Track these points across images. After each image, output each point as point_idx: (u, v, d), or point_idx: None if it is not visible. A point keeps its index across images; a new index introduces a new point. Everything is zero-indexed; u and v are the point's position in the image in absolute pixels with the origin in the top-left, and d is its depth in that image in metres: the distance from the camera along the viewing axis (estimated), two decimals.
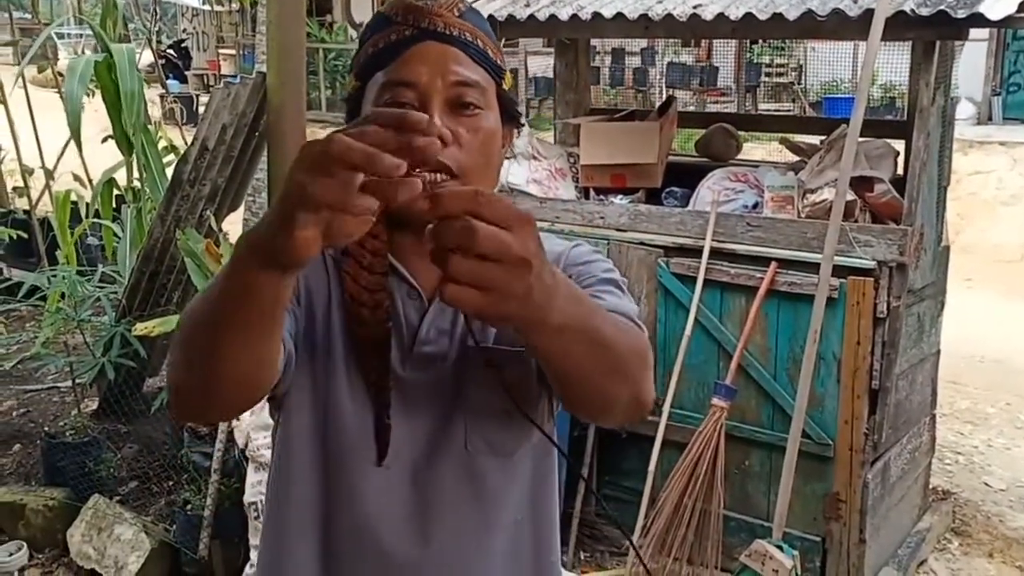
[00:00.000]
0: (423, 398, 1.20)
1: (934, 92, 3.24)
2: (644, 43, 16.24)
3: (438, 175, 1.11)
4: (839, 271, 3.16)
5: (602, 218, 3.72)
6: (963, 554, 3.83)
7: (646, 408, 1.07)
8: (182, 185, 3.89)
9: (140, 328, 3.62)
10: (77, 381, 4.14)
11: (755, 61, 15.86)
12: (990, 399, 5.55)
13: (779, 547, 3.05)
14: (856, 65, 16.23)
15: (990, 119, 13.14)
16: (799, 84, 16.05)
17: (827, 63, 16.12)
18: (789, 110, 14.84)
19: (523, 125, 1.34)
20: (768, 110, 14.61)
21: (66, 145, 6.19)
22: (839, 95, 15.76)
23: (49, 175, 6.14)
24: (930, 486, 4.08)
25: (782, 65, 16.05)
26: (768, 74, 15.67)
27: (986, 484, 4.46)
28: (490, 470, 1.21)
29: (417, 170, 1.09)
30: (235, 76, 15.54)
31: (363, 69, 1.19)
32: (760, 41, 15.67)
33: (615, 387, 1.01)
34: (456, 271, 0.80)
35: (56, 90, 5.87)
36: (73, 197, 5.57)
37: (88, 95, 7.28)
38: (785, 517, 3.11)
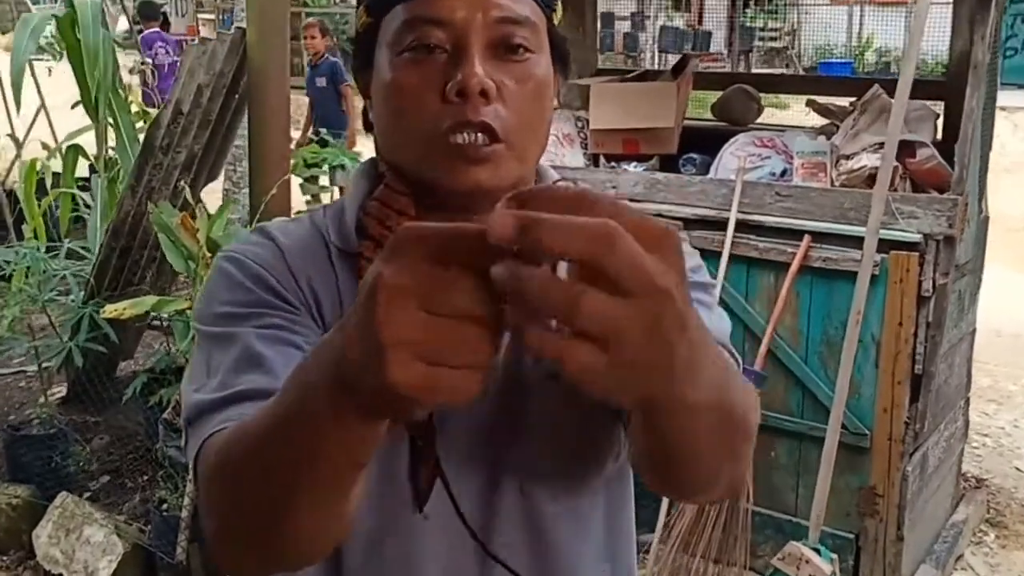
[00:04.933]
0: (464, 430, 0.92)
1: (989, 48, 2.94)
2: (634, 7, 15.88)
3: (479, 136, 0.86)
4: (880, 245, 2.86)
5: (614, 187, 3.42)
6: (1000, 547, 3.59)
7: (740, 492, 0.83)
8: (154, 152, 3.56)
9: (109, 310, 3.30)
10: (43, 366, 3.81)
11: (748, 25, 15.54)
12: (1011, 376, 5.32)
13: (816, 550, 2.79)
14: (851, 29, 15.94)
15: None
16: (793, 49, 15.76)
17: (821, 27, 15.81)
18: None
19: (572, 71, 1.05)
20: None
21: (37, 113, 5.86)
22: (833, 59, 15.47)
23: (16, 143, 5.81)
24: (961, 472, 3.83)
25: (775, 29, 15.76)
26: (762, 39, 15.37)
27: (1017, 469, 4.22)
28: (553, 517, 0.96)
29: (453, 133, 0.86)
30: None
31: (377, 1, 0.92)
32: (753, 4, 15.34)
33: (723, 469, 0.78)
34: (590, 311, 0.53)
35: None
36: (42, 167, 5.23)
37: (55, 58, 6.93)
38: (823, 517, 2.85)
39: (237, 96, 3.53)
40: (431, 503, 0.91)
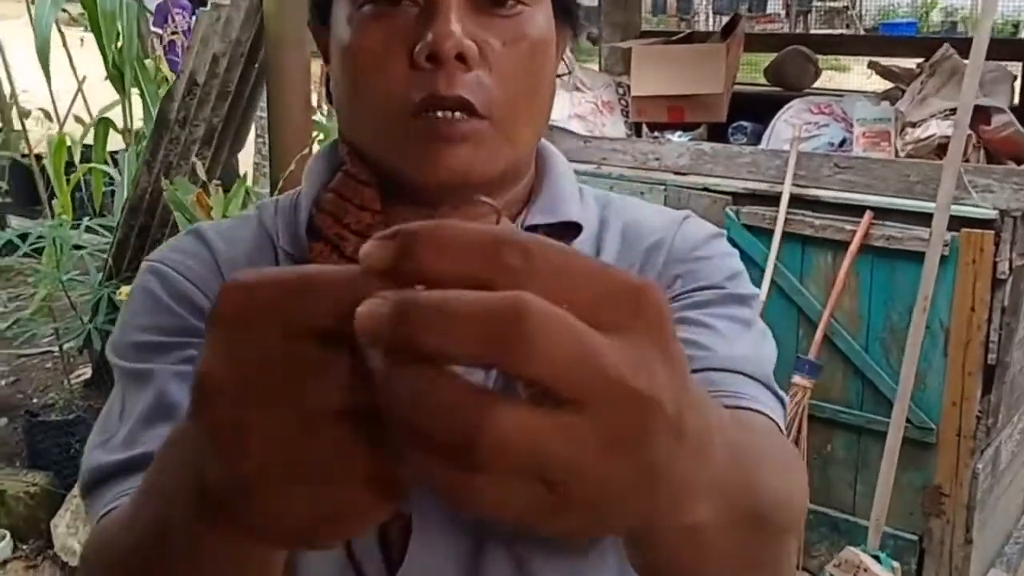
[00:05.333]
0: None
1: None
2: None
3: (455, 114, 0.71)
4: (951, 223, 2.63)
5: (657, 159, 3.19)
6: None
7: None
8: (169, 126, 3.39)
9: (125, 292, 3.16)
10: (65, 348, 3.70)
11: None
12: None
13: (875, 557, 2.57)
14: None
15: None
16: (854, 9, 15.23)
17: None
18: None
19: (583, 26, 0.84)
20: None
21: (79, 89, 5.77)
22: (896, 20, 14.95)
23: (48, 117, 5.74)
24: None
25: None
26: None
27: None
28: None
29: (427, 110, 0.71)
30: None
31: None
32: None
33: None
34: (504, 438, 0.31)
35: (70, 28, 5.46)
36: (71, 141, 5.13)
37: (86, 28, 6.86)
38: (884, 518, 2.62)
39: (256, 66, 3.34)
40: (406, 566, 0.75)
